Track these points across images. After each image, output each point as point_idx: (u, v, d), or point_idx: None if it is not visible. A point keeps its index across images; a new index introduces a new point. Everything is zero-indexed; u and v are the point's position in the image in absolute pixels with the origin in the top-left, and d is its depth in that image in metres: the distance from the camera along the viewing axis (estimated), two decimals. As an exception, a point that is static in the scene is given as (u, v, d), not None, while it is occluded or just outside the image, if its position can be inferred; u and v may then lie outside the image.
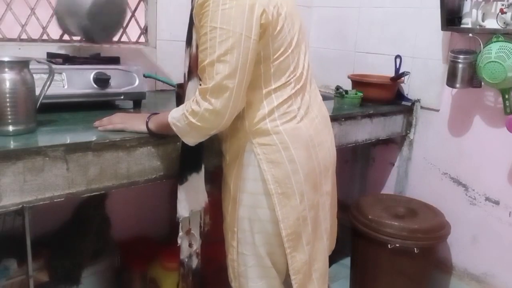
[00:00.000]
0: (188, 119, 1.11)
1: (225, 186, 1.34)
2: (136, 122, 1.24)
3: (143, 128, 1.23)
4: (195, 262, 1.44)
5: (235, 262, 1.35)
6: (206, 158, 1.36)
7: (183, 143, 1.21)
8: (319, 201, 1.30)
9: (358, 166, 2.42)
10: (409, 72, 2.06)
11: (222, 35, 1.04)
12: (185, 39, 1.22)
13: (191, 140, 1.18)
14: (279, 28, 1.12)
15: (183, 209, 1.32)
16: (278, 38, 1.13)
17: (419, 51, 2.08)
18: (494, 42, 1.74)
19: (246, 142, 1.21)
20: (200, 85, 1.11)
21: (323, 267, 1.38)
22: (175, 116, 1.15)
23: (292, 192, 1.21)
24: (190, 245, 1.41)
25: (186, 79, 1.24)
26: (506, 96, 1.80)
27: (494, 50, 1.71)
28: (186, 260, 1.43)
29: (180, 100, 1.42)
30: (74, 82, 1.40)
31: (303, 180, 1.22)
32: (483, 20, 1.81)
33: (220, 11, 1.03)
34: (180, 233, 1.36)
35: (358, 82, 2.07)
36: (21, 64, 1.14)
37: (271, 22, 1.10)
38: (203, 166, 1.31)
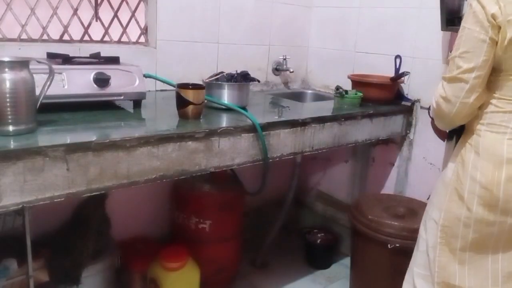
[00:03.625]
0: (432, 103, 1.29)
1: None
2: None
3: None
4: None
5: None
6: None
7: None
8: (495, 224, 1.22)
9: (358, 166, 2.42)
10: (409, 72, 2.06)
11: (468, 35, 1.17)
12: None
13: (439, 124, 1.34)
14: None
15: None
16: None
17: (419, 51, 2.08)
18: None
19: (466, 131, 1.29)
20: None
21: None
22: (434, 95, 1.30)
23: (462, 192, 1.24)
24: None
25: None
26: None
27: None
28: None
29: (180, 100, 1.43)
30: (74, 82, 1.40)
31: (477, 190, 1.21)
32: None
33: (471, 14, 1.16)
34: None
35: (358, 82, 2.07)
36: (21, 64, 1.14)
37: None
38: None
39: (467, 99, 1.19)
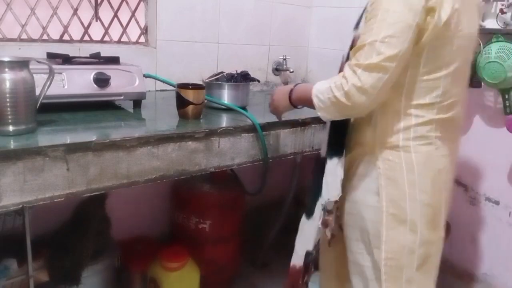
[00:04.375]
0: (332, 92, 1.07)
1: None
2: (282, 104, 1.30)
3: (287, 104, 1.27)
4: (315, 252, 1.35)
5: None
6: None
7: (331, 126, 1.22)
8: (436, 242, 1.18)
9: (358, 166, 2.42)
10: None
11: (394, 18, 1.01)
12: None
13: (326, 115, 1.14)
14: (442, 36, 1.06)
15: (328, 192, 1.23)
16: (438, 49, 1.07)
17: (419, 51, 2.08)
18: (494, 42, 1.74)
19: (370, 152, 1.17)
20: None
21: None
22: (320, 88, 1.12)
23: (404, 217, 1.13)
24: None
25: (344, 60, 1.20)
26: (506, 96, 1.80)
27: (494, 50, 1.71)
28: (313, 253, 1.32)
29: (180, 100, 1.43)
30: (74, 82, 1.40)
31: (419, 210, 1.12)
32: (483, 20, 1.81)
33: None
34: (320, 220, 1.25)
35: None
36: (21, 64, 1.14)
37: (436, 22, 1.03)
38: (344, 153, 1.23)
39: (384, 91, 1.05)
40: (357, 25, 1.18)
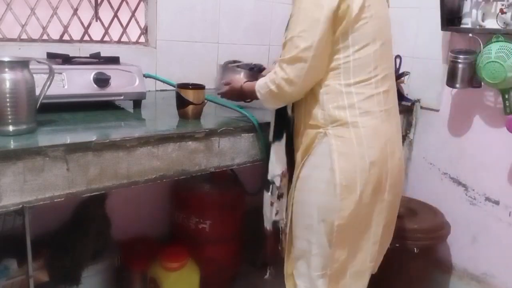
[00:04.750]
0: (268, 87, 1.28)
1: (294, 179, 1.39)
2: (233, 98, 1.54)
3: (239, 98, 1.53)
4: (282, 223, 1.51)
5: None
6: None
7: (275, 113, 1.39)
8: (376, 204, 1.32)
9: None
10: (409, 72, 2.06)
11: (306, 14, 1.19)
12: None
13: (270, 106, 1.36)
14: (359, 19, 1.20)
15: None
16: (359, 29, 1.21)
17: (419, 51, 2.09)
18: (494, 42, 1.74)
19: (322, 132, 1.27)
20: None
21: (361, 266, 1.37)
22: (260, 84, 1.33)
23: (354, 186, 1.25)
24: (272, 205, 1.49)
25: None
26: (506, 96, 1.80)
27: (494, 50, 1.72)
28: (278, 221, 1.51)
29: (180, 100, 1.43)
30: (74, 82, 1.40)
31: (368, 178, 1.25)
32: (483, 20, 1.81)
33: None
34: (270, 195, 1.46)
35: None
36: (21, 64, 1.14)
37: (349, 11, 1.18)
38: (284, 136, 1.41)
39: (309, 78, 1.23)
40: (287, 26, 1.31)
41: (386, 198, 1.33)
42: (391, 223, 1.45)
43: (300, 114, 1.35)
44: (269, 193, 1.46)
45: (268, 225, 1.51)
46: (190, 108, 1.42)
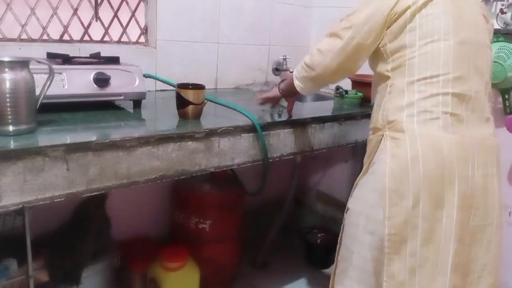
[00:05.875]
0: (303, 60, 1.36)
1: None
2: (274, 95, 1.61)
3: (278, 93, 1.58)
4: None
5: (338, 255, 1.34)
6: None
7: None
8: (440, 218, 1.14)
9: (358, 166, 2.42)
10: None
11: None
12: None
13: (304, 87, 1.39)
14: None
15: None
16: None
17: (419, 51, 2.08)
18: (494, 42, 1.74)
19: (381, 135, 1.21)
20: None
21: None
22: (297, 68, 1.40)
23: (406, 191, 1.12)
24: None
25: None
26: (506, 96, 1.80)
27: (494, 50, 1.71)
28: None
29: (180, 100, 1.43)
30: (74, 82, 1.40)
31: (422, 182, 1.11)
32: (483, 20, 1.81)
33: None
34: None
35: (358, 82, 2.06)
36: (21, 64, 1.14)
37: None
38: None
39: (338, 59, 1.26)
40: None
41: (454, 215, 1.14)
42: (469, 249, 1.21)
43: (370, 120, 1.33)
44: None
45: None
46: (190, 108, 1.42)
